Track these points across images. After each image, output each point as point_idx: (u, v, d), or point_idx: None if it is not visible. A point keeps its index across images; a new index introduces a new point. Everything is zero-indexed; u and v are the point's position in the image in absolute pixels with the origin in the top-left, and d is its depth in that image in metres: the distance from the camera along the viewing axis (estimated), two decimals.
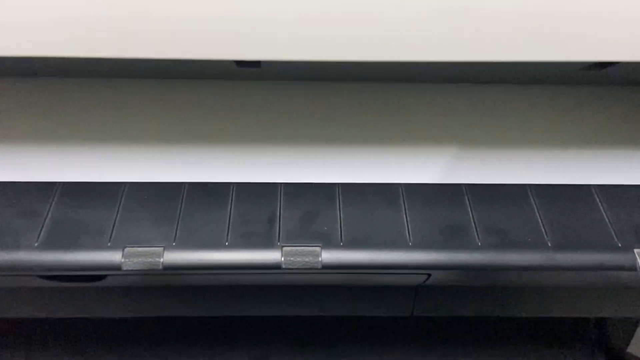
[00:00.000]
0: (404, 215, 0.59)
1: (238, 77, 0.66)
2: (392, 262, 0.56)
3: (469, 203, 0.60)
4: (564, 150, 0.65)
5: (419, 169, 0.64)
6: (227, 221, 0.58)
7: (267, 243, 0.56)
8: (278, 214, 0.58)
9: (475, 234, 0.57)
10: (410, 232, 0.57)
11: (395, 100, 0.67)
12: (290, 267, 0.55)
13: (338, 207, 0.59)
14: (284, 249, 0.55)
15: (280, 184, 0.61)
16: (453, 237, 0.57)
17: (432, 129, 0.66)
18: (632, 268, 0.55)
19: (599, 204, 0.60)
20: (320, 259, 0.55)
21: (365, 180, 0.62)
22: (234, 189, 0.60)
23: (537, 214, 0.59)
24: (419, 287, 0.59)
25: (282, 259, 0.55)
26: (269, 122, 0.66)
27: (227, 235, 0.56)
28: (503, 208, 0.59)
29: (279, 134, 0.65)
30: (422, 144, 0.65)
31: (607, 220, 0.58)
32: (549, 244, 0.56)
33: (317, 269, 0.55)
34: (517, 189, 0.61)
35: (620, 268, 0.55)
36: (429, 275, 0.57)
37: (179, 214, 0.58)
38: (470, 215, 0.59)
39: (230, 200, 0.59)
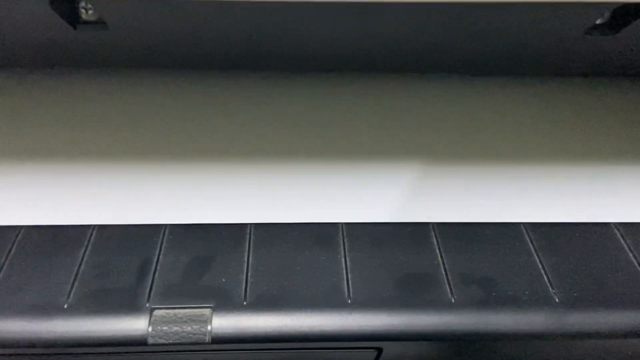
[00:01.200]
0: (343, 260, 0.40)
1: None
2: (323, 331, 0.36)
3: (437, 242, 0.41)
4: (569, 168, 0.48)
5: (368, 202, 0.45)
6: (74, 272, 0.38)
7: (129, 304, 0.36)
8: (155, 260, 0.39)
9: (447, 285, 0.38)
10: (350, 285, 0.38)
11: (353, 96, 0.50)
12: (161, 341, 0.35)
13: (247, 250, 0.40)
14: (155, 313, 0.36)
15: (165, 225, 0.41)
16: (414, 292, 0.38)
17: (383, 137, 0.48)
18: None
19: (623, 243, 0.42)
20: (209, 327, 0.35)
21: (286, 218, 0.43)
22: (94, 230, 0.41)
23: (536, 257, 0.41)
24: None
25: (150, 328, 0.35)
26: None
27: (69, 293, 0.37)
28: (486, 249, 0.41)
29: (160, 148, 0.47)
30: (369, 163, 0.47)
31: (637, 265, 0.40)
32: (556, 299, 0.38)
33: (203, 343, 0.35)
34: (504, 228, 0.43)
35: None
36: (380, 350, 0.38)
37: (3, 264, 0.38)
38: (440, 258, 0.40)
39: (85, 244, 0.40)
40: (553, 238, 0.42)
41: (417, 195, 0.46)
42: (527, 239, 0.42)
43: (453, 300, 0.38)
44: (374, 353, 0.38)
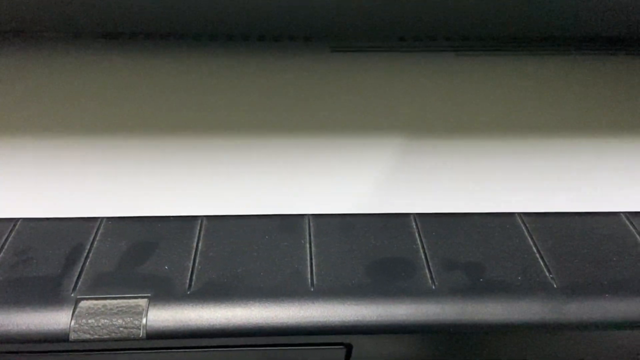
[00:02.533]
0: (307, 246, 0.34)
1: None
2: (280, 324, 0.30)
3: (417, 227, 0.36)
4: (567, 152, 0.43)
5: (340, 190, 0.40)
6: None
7: (50, 294, 0.31)
8: (88, 247, 0.34)
9: (427, 270, 0.33)
10: (314, 271, 0.33)
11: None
12: (85, 336, 0.29)
13: (196, 236, 0.35)
14: (80, 304, 0.30)
15: (102, 218, 0.36)
16: (388, 278, 0.32)
17: (357, 117, 0.43)
18: None
19: (631, 228, 0.37)
20: (144, 320, 0.30)
21: (244, 210, 0.38)
22: (19, 222, 0.36)
23: (530, 240, 0.35)
24: None
25: (73, 322, 0.29)
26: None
27: None
28: (472, 233, 0.36)
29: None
30: (341, 147, 0.42)
31: None
32: (554, 285, 0.32)
33: (137, 339, 0.30)
34: (495, 218, 0.38)
35: None
36: (349, 347, 0.32)
37: None
38: (419, 242, 0.35)
39: (6, 234, 0.34)
40: (549, 223, 0.37)
41: (397, 182, 0.41)
42: (520, 223, 0.37)
43: (434, 287, 0.32)
44: (343, 350, 0.32)
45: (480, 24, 0.46)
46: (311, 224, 0.36)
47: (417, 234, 0.36)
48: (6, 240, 0.34)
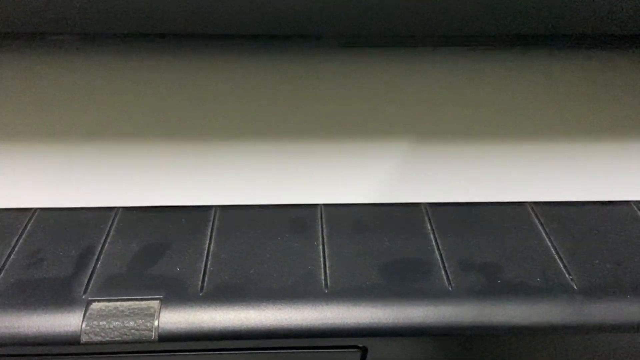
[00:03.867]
0: (320, 246, 0.34)
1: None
2: (294, 326, 0.30)
3: (431, 225, 0.35)
4: (576, 142, 0.42)
5: (351, 181, 0.40)
6: (1, 261, 0.32)
7: (62, 296, 0.30)
8: (99, 247, 0.33)
9: (443, 271, 0.32)
10: (327, 272, 0.32)
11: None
12: (97, 339, 0.29)
13: (208, 236, 0.34)
14: (92, 306, 0.30)
15: (118, 208, 0.36)
16: (404, 279, 0.32)
17: (368, 109, 0.43)
18: None
19: None
20: (156, 322, 0.29)
21: (257, 200, 0.38)
22: (35, 213, 0.36)
23: (547, 240, 0.35)
24: None
25: (84, 324, 0.29)
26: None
27: None
28: (488, 232, 0.35)
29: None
30: (352, 138, 0.42)
31: None
32: (575, 286, 0.32)
33: (149, 341, 0.29)
34: (508, 208, 0.37)
35: None
36: (364, 350, 0.31)
37: None
38: (434, 242, 0.34)
39: (20, 231, 0.34)
40: (564, 218, 0.36)
41: (407, 173, 0.40)
42: (535, 219, 0.36)
43: (450, 289, 0.31)
44: (358, 353, 0.31)
45: (493, 20, 0.45)
46: (323, 219, 0.35)
47: (431, 234, 0.35)
48: (19, 238, 0.34)
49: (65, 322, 0.29)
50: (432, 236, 0.35)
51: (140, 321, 0.29)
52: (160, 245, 0.34)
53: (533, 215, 0.36)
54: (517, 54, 0.48)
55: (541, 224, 0.36)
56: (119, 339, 0.29)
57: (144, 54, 0.47)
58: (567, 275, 0.32)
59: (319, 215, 0.36)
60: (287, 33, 0.43)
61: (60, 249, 0.33)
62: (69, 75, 0.46)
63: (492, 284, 0.32)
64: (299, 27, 0.41)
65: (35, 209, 0.36)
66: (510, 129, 0.43)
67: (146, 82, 0.46)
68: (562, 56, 0.48)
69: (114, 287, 0.31)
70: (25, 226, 0.35)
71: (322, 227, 0.35)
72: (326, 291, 0.31)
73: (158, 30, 0.44)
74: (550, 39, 0.48)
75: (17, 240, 0.34)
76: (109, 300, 0.30)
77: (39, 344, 0.29)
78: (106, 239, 0.34)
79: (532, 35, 0.48)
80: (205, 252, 0.33)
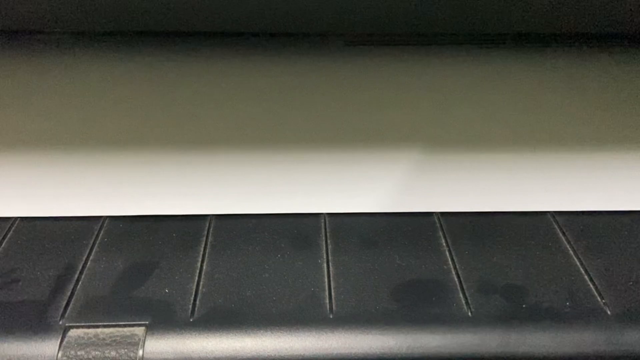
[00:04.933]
0: (325, 264, 0.31)
1: None
2: (296, 355, 0.27)
3: (446, 240, 0.32)
4: (600, 149, 0.39)
5: (357, 190, 0.37)
6: None
7: (35, 322, 0.27)
8: (80, 265, 0.30)
9: (461, 294, 0.29)
10: (333, 295, 0.29)
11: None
12: None
13: (201, 253, 0.31)
14: (69, 333, 0.27)
15: (104, 217, 0.33)
16: (417, 303, 0.29)
17: (375, 114, 0.40)
18: None
19: None
20: (140, 352, 0.26)
21: (255, 209, 0.34)
22: (15, 224, 0.33)
23: (575, 257, 0.31)
24: None
25: (60, 354, 0.26)
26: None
27: None
28: (508, 249, 0.32)
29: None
30: (358, 144, 0.39)
31: None
32: (608, 312, 0.28)
33: None
34: (528, 219, 0.34)
35: None
36: None
37: None
38: (450, 261, 0.31)
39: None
40: (591, 230, 0.33)
41: (417, 179, 0.37)
42: (559, 232, 0.33)
43: (470, 314, 0.28)
44: None
45: (504, 17, 0.42)
46: (328, 233, 0.32)
47: (447, 251, 0.32)
48: None
49: (39, 350, 0.26)
50: (447, 253, 0.32)
51: (122, 351, 0.26)
52: (147, 264, 0.30)
53: (556, 226, 0.33)
54: (532, 53, 0.45)
55: (566, 238, 0.33)
56: None
57: (136, 54, 0.45)
58: (599, 299, 0.29)
59: (323, 227, 0.33)
60: (290, 30, 0.40)
61: (37, 268, 0.30)
62: (56, 77, 0.43)
63: (516, 309, 0.28)
64: (301, 24, 0.38)
65: (15, 219, 0.33)
66: (528, 132, 0.40)
67: (139, 82, 0.43)
68: (585, 56, 0.45)
69: (95, 311, 0.28)
70: (2, 240, 0.32)
71: (326, 242, 0.32)
72: (331, 316, 0.28)
73: (155, 28, 0.41)
74: (569, 37, 0.45)
75: None
76: (89, 327, 0.27)
77: None
78: (88, 255, 0.31)
79: (549, 34, 0.45)
80: (198, 271, 0.30)
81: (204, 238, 0.32)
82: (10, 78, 0.43)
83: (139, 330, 0.27)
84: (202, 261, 0.31)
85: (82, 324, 0.27)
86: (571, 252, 0.32)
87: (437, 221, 0.33)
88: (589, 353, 0.27)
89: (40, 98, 0.41)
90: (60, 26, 0.41)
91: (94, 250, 0.31)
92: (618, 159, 0.39)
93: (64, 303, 0.28)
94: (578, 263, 0.31)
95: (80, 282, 0.29)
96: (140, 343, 0.26)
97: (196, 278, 0.30)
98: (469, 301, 0.29)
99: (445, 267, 0.31)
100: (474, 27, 0.40)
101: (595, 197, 0.36)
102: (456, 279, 0.30)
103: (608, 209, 0.35)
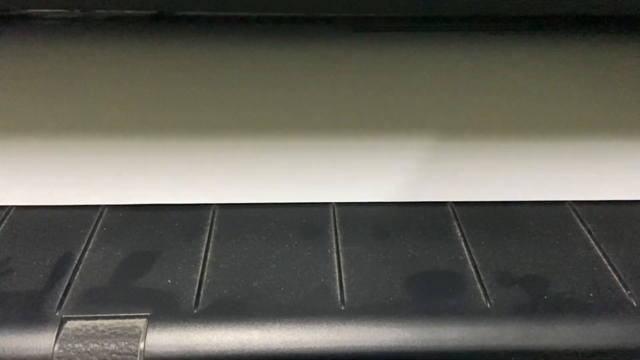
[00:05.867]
0: (335, 254, 0.29)
1: None
2: (305, 348, 0.25)
3: (461, 230, 0.31)
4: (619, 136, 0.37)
5: (367, 178, 0.35)
6: None
7: (31, 313, 0.26)
8: (78, 255, 0.29)
9: (479, 285, 0.28)
10: (344, 286, 0.28)
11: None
12: None
13: (205, 242, 0.30)
14: (66, 325, 0.25)
15: (104, 206, 0.32)
16: (432, 295, 0.27)
17: (386, 99, 0.38)
18: None
19: None
20: (141, 345, 0.25)
21: (261, 198, 0.33)
22: (10, 212, 0.31)
23: (597, 247, 0.30)
24: None
25: (56, 347, 0.24)
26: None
27: None
28: (527, 238, 0.30)
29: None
30: (369, 131, 0.37)
31: None
32: (634, 303, 0.27)
33: None
34: (546, 208, 0.33)
35: None
36: None
37: None
38: (466, 252, 0.30)
39: None
40: (613, 220, 0.32)
41: (429, 168, 0.36)
42: (579, 223, 0.31)
43: (489, 306, 0.27)
44: None
45: (511, 2, 0.41)
46: (337, 222, 0.31)
47: (462, 241, 0.30)
48: None
49: (35, 343, 0.25)
50: (463, 244, 0.30)
51: (122, 343, 0.25)
52: (148, 253, 0.29)
53: (575, 216, 0.32)
54: (549, 39, 0.44)
55: (587, 228, 0.31)
56: None
57: (135, 38, 0.43)
58: (624, 290, 0.28)
59: (332, 216, 0.32)
60: (295, 14, 0.38)
61: (33, 257, 0.29)
62: (54, 63, 0.42)
63: (537, 301, 0.27)
64: (308, 7, 0.37)
65: (11, 207, 0.32)
66: (545, 120, 0.39)
67: (141, 67, 0.41)
68: (604, 43, 0.43)
69: (93, 302, 0.26)
70: (5, 215, 0.31)
71: (336, 232, 0.31)
72: (342, 308, 0.27)
73: (153, 9, 0.40)
74: (584, 21, 0.43)
75: None
76: (87, 318, 0.26)
77: None
78: (87, 245, 0.29)
79: (563, 16, 0.43)
80: (202, 261, 0.29)
81: (208, 227, 0.31)
82: (7, 64, 0.41)
83: (140, 322, 0.26)
84: (207, 251, 0.29)
85: (80, 315, 0.26)
86: (592, 242, 0.30)
87: (451, 211, 0.32)
88: (616, 346, 0.26)
89: (38, 84, 0.40)
90: (52, 5, 0.39)
91: (92, 239, 0.30)
92: (637, 147, 0.37)
93: (61, 294, 0.27)
94: (600, 253, 0.30)
95: (78, 272, 0.28)
96: (142, 335, 0.25)
97: (200, 268, 0.28)
98: (487, 292, 0.27)
99: (460, 257, 0.29)
100: (483, 9, 0.39)
101: (614, 186, 0.35)
102: (473, 270, 0.29)
103: (628, 198, 0.34)
